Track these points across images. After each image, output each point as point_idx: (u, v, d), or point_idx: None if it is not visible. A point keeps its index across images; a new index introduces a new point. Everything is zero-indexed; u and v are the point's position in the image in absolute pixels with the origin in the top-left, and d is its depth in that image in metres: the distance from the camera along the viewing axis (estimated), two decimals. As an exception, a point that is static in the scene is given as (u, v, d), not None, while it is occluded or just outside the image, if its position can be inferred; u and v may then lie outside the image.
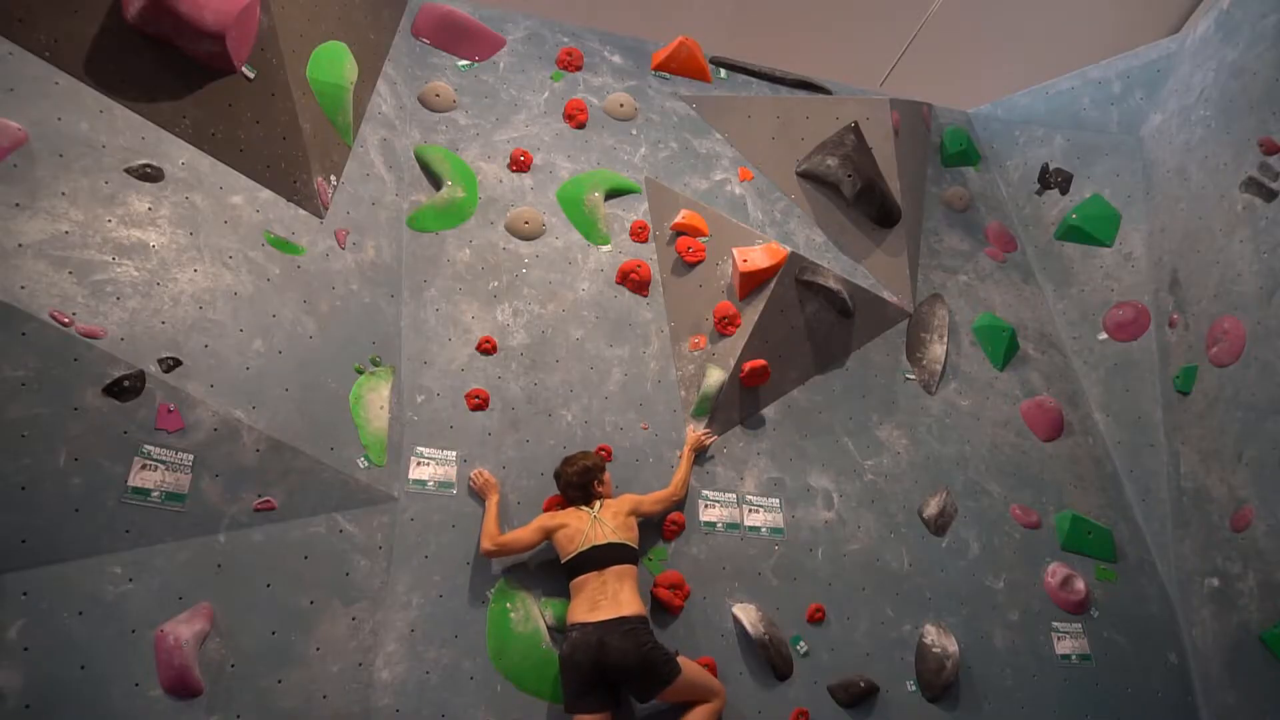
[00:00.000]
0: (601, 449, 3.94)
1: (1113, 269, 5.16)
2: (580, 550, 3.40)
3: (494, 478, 3.69)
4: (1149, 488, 4.71)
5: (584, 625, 3.23)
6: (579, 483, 3.60)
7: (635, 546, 3.47)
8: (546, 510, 3.69)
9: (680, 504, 3.86)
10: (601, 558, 3.38)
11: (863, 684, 3.76)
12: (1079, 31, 6.60)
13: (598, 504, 3.57)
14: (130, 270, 3.17)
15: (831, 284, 4.49)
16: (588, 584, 3.35)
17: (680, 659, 3.31)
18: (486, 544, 3.45)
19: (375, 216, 4.07)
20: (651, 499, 3.72)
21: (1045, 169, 5.53)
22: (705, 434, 4.06)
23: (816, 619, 3.87)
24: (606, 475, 3.70)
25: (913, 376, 4.76)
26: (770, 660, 3.68)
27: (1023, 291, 5.30)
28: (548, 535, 3.50)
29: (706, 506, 3.97)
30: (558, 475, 3.68)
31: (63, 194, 3.13)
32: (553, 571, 3.58)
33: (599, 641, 3.17)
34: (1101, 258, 5.22)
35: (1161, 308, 4.90)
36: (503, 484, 3.72)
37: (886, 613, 4.01)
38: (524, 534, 3.49)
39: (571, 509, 3.59)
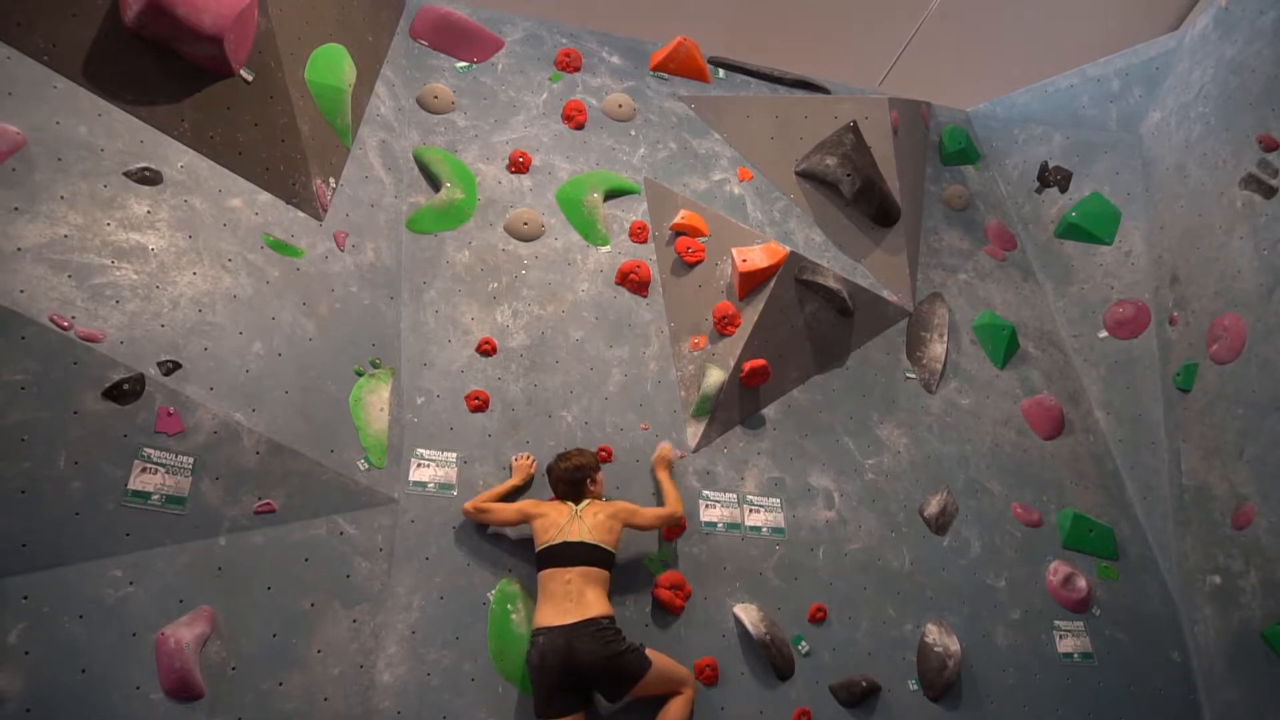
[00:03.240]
0: (602, 449, 3.94)
1: (1113, 267, 5.16)
2: (551, 543, 3.38)
3: (533, 469, 3.75)
4: (1150, 485, 4.70)
5: (550, 630, 3.19)
6: (570, 479, 3.58)
7: (610, 550, 3.41)
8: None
9: (678, 521, 3.73)
10: (570, 555, 3.34)
11: (864, 683, 3.75)
12: (1077, 29, 6.60)
13: (585, 503, 3.54)
14: (129, 273, 3.17)
15: (831, 283, 4.49)
16: (554, 581, 3.30)
17: (649, 651, 3.29)
18: (468, 504, 3.54)
19: (374, 218, 4.07)
20: (650, 513, 3.60)
21: (1044, 167, 5.52)
22: (667, 448, 3.96)
23: (818, 619, 3.87)
24: (599, 475, 3.67)
25: (913, 375, 4.75)
26: (772, 660, 3.68)
27: (1023, 290, 5.30)
28: (526, 519, 3.50)
29: (707, 506, 3.97)
30: (550, 469, 3.68)
31: (62, 198, 3.13)
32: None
33: (566, 645, 3.14)
34: (1101, 255, 5.22)
35: (1162, 305, 4.90)
36: (502, 485, 3.72)
37: (888, 612, 4.00)
38: (505, 509, 3.54)
39: (557, 502, 3.58)
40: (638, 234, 4.58)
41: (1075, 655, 4.15)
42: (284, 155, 3.72)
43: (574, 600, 3.25)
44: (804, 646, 3.79)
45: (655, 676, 3.25)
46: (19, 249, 2.95)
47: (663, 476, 3.84)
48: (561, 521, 3.44)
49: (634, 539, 3.74)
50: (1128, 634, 4.27)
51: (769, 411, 4.34)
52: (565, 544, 3.36)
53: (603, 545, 3.39)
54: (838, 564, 4.04)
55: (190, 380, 3.13)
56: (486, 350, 4.03)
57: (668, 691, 3.32)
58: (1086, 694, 4.05)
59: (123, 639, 2.80)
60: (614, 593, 3.63)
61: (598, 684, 3.21)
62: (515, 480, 3.69)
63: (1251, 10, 4.55)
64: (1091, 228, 5.24)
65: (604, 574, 3.37)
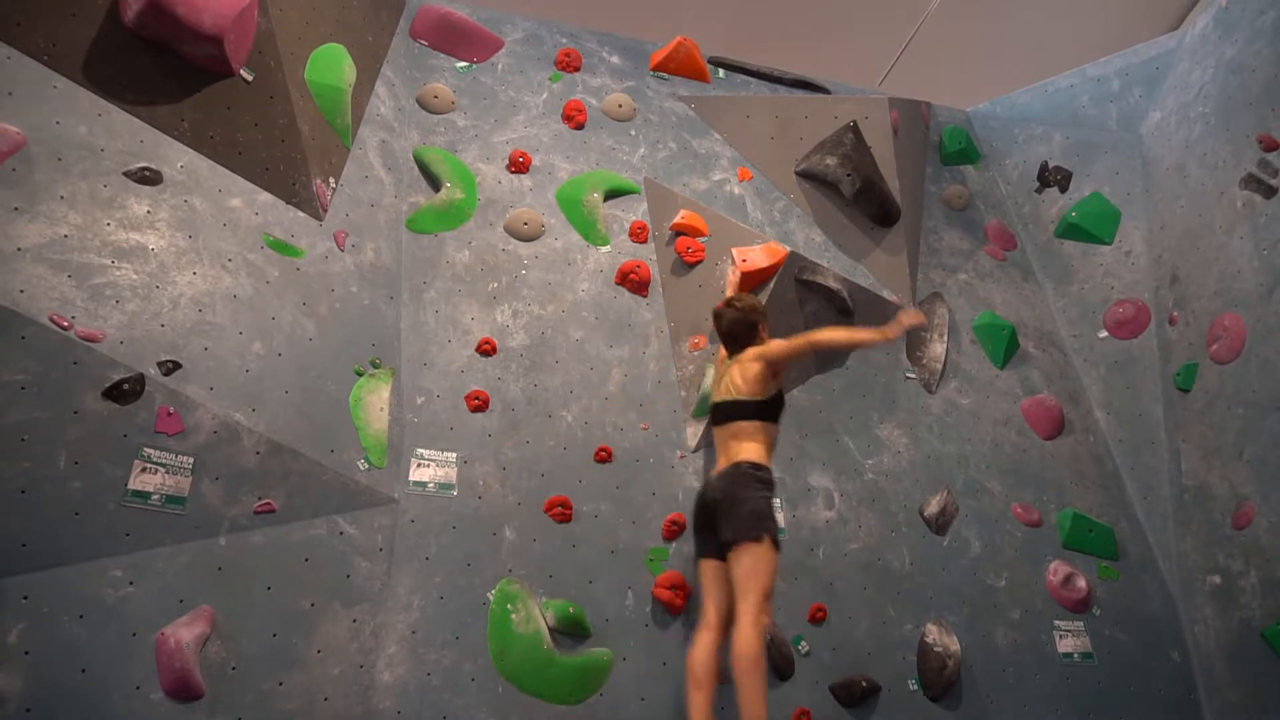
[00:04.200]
0: (602, 449, 3.93)
1: (1112, 267, 5.16)
2: (711, 404, 3.54)
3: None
4: (1150, 485, 4.70)
5: (706, 480, 3.39)
6: (728, 333, 3.62)
7: (755, 400, 3.38)
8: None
9: (812, 351, 3.73)
10: (719, 414, 3.45)
11: (864, 683, 3.75)
12: (1077, 29, 6.59)
13: (742, 354, 3.55)
14: (129, 273, 3.17)
15: (831, 283, 4.49)
16: (716, 440, 3.44)
17: (768, 545, 3.13)
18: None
19: (374, 218, 4.07)
20: (785, 344, 3.51)
21: (1044, 167, 5.52)
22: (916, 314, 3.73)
23: (818, 619, 3.87)
24: (762, 327, 3.61)
25: (913, 375, 4.75)
26: (771, 660, 3.67)
27: (1023, 290, 5.30)
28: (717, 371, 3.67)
29: (707, 507, 3.97)
30: (716, 317, 3.72)
31: (61, 197, 3.13)
32: (553, 572, 3.58)
33: (707, 484, 3.36)
34: (1101, 255, 5.22)
35: (1162, 305, 4.90)
36: (502, 485, 3.72)
37: (888, 612, 4.00)
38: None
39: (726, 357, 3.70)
40: (638, 234, 4.58)
41: (1075, 655, 4.15)
42: (284, 155, 3.72)
43: (726, 454, 3.38)
44: (804, 646, 3.79)
45: (747, 565, 3.09)
46: (19, 249, 2.95)
47: (872, 331, 3.66)
48: (719, 381, 3.56)
49: (637, 537, 3.74)
50: (1128, 634, 4.27)
51: (769, 411, 4.34)
52: (715, 405, 3.51)
53: (745, 398, 3.40)
54: (838, 564, 4.04)
55: (190, 380, 3.13)
56: (486, 350, 4.03)
57: (744, 595, 3.10)
58: (1086, 694, 4.06)
59: (123, 639, 2.80)
60: (613, 591, 3.63)
61: (721, 522, 3.22)
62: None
63: (1252, 10, 4.55)
64: (1091, 228, 5.24)
65: (754, 424, 3.36)
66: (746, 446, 3.32)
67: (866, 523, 4.20)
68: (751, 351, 3.54)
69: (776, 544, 3.22)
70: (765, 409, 3.43)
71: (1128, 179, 5.23)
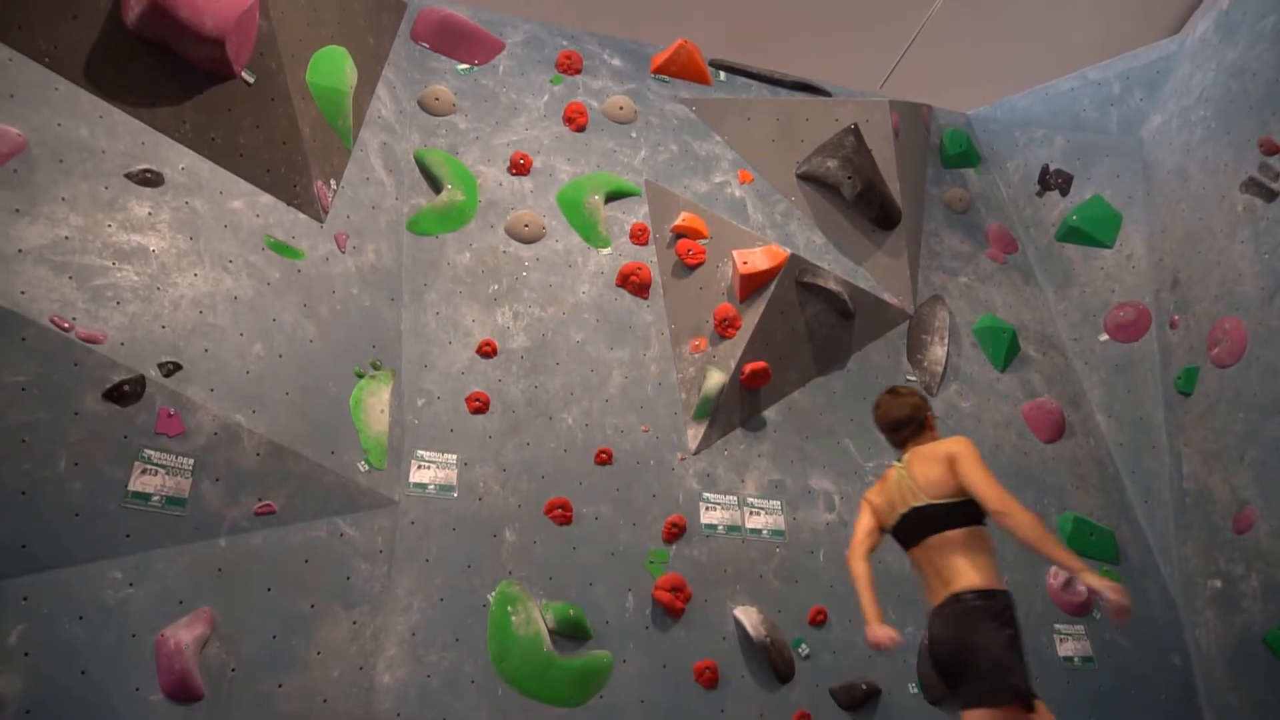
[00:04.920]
0: (602, 451, 3.93)
1: (1113, 270, 5.15)
2: (892, 524, 2.79)
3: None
4: (1151, 489, 4.70)
5: (929, 615, 2.62)
6: (891, 427, 2.91)
7: (958, 501, 2.63)
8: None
9: (999, 519, 2.66)
10: (914, 529, 2.70)
11: (865, 686, 3.75)
12: (1078, 33, 6.59)
13: (909, 452, 2.84)
14: (130, 275, 3.17)
15: (832, 286, 4.49)
16: (918, 564, 2.71)
17: (1039, 705, 2.50)
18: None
19: (375, 220, 4.08)
20: (984, 480, 2.64)
21: (1045, 170, 5.52)
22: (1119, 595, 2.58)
23: (818, 621, 3.87)
24: (930, 417, 2.94)
25: (914, 378, 4.75)
26: (772, 663, 3.67)
27: (1023, 293, 5.29)
28: (880, 519, 2.85)
29: (707, 509, 3.97)
30: (874, 418, 3.03)
31: (63, 199, 3.14)
32: (553, 574, 3.58)
33: (931, 635, 2.61)
34: (1102, 259, 5.22)
35: (1162, 308, 4.90)
36: (503, 486, 3.72)
37: (888, 615, 3.97)
38: (862, 526, 2.90)
39: (890, 470, 2.93)
40: (638, 236, 4.58)
41: (1076, 659, 4.14)
42: (285, 157, 3.73)
43: (939, 577, 2.63)
44: (804, 649, 3.78)
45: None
46: (20, 250, 2.95)
47: (1074, 565, 2.62)
48: (892, 492, 2.80)
49: (637, 539, 3.74)
50: (1128, 638, 4.26)
51: (769, 414, 4.34)
52: (902, 518, 2.75)
53: (945, 500, 2.65)
54: (838, 566, 4.03)
55: (191, 382, 3.13)
56: (487, 352, 4.03)
57: None
58: (1087, 698, 4.05)
59: (122, 640, 2.80)
60: (613, 593, 3.62)
61: (967, 681, 2.51)
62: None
63: (1252, 14, 4.56)
64: (1092, 231, 5.24)
65: (967, 532, 2.62)
66: (966, 565, 2.58)
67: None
68: (943, 447, 2.82)
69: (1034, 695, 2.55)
70: (975, 513, 2.68)
71: (1129, 182, 5.23)
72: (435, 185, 4.38)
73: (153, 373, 3.05)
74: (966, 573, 2.58)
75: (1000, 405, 4.80)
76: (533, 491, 3.76)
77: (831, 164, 4.83)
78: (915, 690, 3.84)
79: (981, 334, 5.00)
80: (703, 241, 4.54)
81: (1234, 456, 4.19)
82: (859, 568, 2.86)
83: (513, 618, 3.46)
